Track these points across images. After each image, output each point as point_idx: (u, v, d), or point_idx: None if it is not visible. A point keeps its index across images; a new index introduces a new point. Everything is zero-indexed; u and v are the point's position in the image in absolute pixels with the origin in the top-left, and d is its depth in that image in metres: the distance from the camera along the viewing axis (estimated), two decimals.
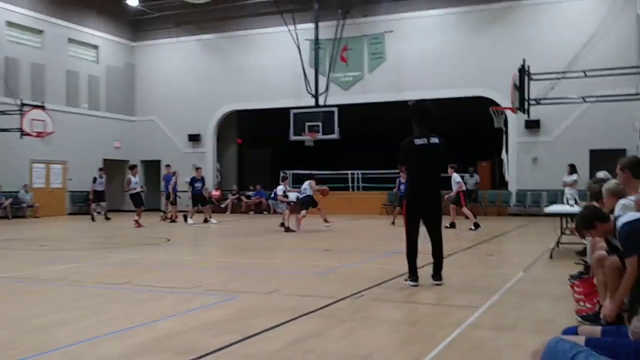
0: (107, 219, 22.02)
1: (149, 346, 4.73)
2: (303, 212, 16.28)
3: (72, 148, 26.03)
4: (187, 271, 9.23)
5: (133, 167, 20.57)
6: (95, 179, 22.45)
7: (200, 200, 20.63)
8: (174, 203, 21.53)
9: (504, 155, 23.67)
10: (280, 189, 17.37)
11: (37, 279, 8.27)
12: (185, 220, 20.22)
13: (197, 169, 21.55)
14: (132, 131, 29.56)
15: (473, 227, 15.93)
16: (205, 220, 19.95)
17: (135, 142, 29.47)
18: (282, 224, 16.46)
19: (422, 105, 7.67)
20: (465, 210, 16.51)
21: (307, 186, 16.51)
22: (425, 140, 7.34)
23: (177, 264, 10.19)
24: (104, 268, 9.46)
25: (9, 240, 14.38)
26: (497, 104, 22.29)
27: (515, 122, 22.87)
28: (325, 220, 16.88)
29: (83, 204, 26.64)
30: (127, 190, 19.72)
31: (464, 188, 16.61)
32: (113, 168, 28.86)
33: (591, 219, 5.10)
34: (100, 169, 23.01)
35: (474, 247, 12.00)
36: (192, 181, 20.44)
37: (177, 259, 10.81)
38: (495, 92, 23.03)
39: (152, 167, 29.74)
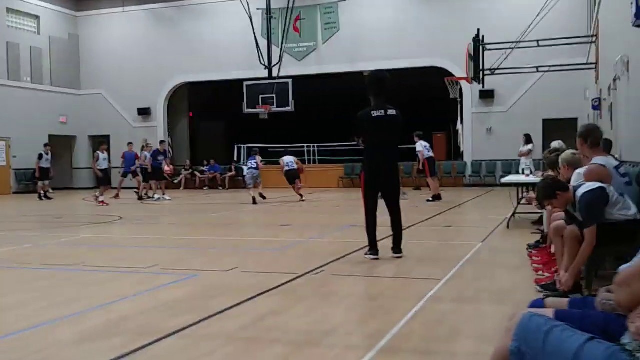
0: (48, 198, 21.09)
1: (105, 329, 4.54)
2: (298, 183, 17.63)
3: (15, 124, 25.06)
4: (142, 250, 8.98)
5: (102, 144, 20.16)
6: (40, 156, 21.45)
7: (159, 174, 20.02)
8: (145, 180, 20.60)
9: (459, 126, 23.90)
10: (258, 160, 17.40)
11: None
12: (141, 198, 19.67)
13: (162, 142, 21.20)
14: (79, 105, 28.66)
15: (431, 199, 15.96)
16: (147, 197, 19.54)
17: (82, 117, 28.61)
18: (254, 199, 16.54)
19: (379, 75, 7.55)
20: (429, 179, 16.41)
21: (292, 160, 17.81)
22: (383, 112, 7.23)
23: (131, 242, 9.92)
24: (54, 249, 9.12)
25: None
26: (452, 75, 22.40)
27: (469, 92, 23.06)
28: (301, 195, 17.45)
29: (29, 182, 25.78)
30: (95, 167, 19.11)
31: (426, 156, 16.24)
32: (59, 144, 27.97)
33: (553, 189, 5.11)
34: (46, 145, 22.03)
35: (432, 219, 12.05)
36: (155, 154, 19.82)
37: (131, 238, 10.54)
38: (450, 62, 23.11)
39: (100, 142, 28.87)
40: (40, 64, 27.07)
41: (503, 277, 6.30)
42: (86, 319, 4.84)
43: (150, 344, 4.13)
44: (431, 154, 16.54)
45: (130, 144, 21.77)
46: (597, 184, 5.09)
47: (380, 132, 7.23)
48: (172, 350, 4.09)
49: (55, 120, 27.57)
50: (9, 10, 25.75)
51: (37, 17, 27.20)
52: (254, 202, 16.52)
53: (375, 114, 7.23)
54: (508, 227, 10.02)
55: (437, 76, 22.26)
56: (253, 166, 17.04)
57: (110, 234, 11.34)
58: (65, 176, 28.69)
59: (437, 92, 22.39)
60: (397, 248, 7.39)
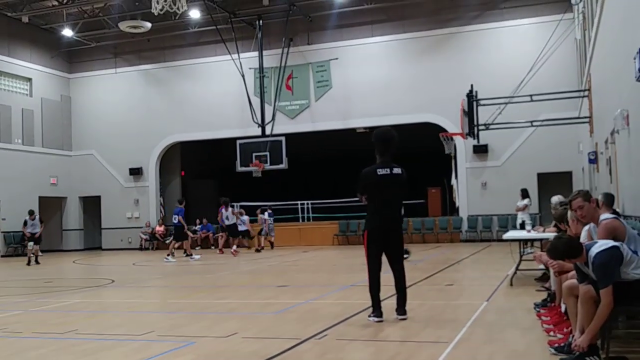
0: (37, 262, 20.00)
1: None
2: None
3: (5, 185, 24.81)
4: (137, 315, 8.66)
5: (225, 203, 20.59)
6: (25, 222, 20.35)
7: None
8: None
9: (453, 181, 23.87)
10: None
11: None
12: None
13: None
14: (70, 166, 28.50)
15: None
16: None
17: (73, 178, 28.42)
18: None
19: (386, 133, 7.41)
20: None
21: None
22: (388, 170, 7.12)
23: (125, 307, 9.56)
24: (45, 315, 8.77)
25: None
26: (445, 130, 22.50)
27: (463, 147, 23.11)
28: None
29: (18, 245, 25.35)
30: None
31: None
32: (49, 205, 27.66)
33: (578, 250, 4.97)
34: (31, 213, 20.67)
35: (432, 276, 11.80)
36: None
37: (124, 302, 10.17)
38: (443, 117, 23.25)
39: (90, 203, 28.68)
40: (32, 125, 27.02)
41: (515, 339, 6.05)
42: None
43: None
44: None
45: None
46: (611, 243, 4.97)
47: (385, 190, 7.11)
48: None
49: (46, 182, 27.35)
50: (1, 73, 25.86)
51: (29, 80, 27.31)
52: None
53: (380, 171, 7.11)
54: (511, 284, 9.79)
55: (430, 131, 22.34)
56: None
57: (103, 298, 11.00)
58: (55, 238, 28.24)
59: (430, 148, 22.44)
60: (401, 309, 7.14)
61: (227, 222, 20.52)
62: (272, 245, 23.15)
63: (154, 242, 26.81)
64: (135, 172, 27.77)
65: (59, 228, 28.69)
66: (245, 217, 21.78)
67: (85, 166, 28.43)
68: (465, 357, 5.36)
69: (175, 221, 19.40)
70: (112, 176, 28.18)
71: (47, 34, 27.42)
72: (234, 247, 19.99)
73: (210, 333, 6.74)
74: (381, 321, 6.98)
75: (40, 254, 21.46)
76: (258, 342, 6.21)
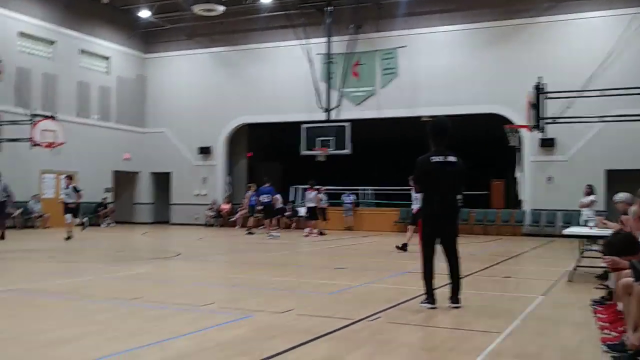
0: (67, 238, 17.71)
1: None
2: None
3: (82, 159, 26.01)
4: (199, 287, 9.08)
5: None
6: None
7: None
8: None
9: (517, 174, 23.47)
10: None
11: (46, 292, 8.14)
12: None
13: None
14: (142, 143, 29.56)
15: (400, 246, 14.79)
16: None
17: (145, 154, 29.46)
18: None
19: (441, 123, 7.47)
20: (412, 227, 14.77)
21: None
22: (442, 158, 7.17)
23: (189, 279, 10.03)
24: (114, 282, 9.30)
25: (19, 251, 14.27)
26: (510, 122, 22.15)
27: (529, 140, 22.67)
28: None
29: (92, 215, 26.58)
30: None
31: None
32: (123, 179, 28.89)
33: (619, 252, 4.96)
34: (68, 177, 18.71)
35: (490, 268, 11.78)
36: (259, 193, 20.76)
37: (188, 274, 10.65)
38: (510, 109, 22.87)
39: (161, 179, 29.72)
40: (108, 102, 28.18)
41: (567, 334, 6.05)
42: (143, 355, 4.89)
43: None
44: None
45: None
46: None
47: (439, 178, 7.14)
48: None
49: (120, 157, 28.50)
50: (82, 51, 27.02)
51: (107, 58, 28.43)
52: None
53: (434, 159, 7.16)
54: (570, 280, 9.69)
55: (496, 122, 22.02)
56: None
57: (169, 269, 11.51)
58: (127, 210, 29.48)
59: (495, 139, 22.10)
60: (455, 297, 7.21)
61: (309, 204, 21.07)
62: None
63: (219, 220, 27.56)
64: (205, 151, 28.56)
65: (131, 201, 29.90)
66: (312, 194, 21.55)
67: (157, 143, 29.43)
68: (514, 349, 5.40)
69: (268, 199, 19.93)
70: (182, 154, 29.07)
71: (125, 15, 28.41)
72: (311, 229, 20.73)
73: (267, 308, 7.02)
74: (434, 308, 7.09)
75: (110, 222, 22.41)
76: (312, 320, 6.44)
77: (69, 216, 17.84)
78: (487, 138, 23.51)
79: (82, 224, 18.56)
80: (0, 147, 22.76)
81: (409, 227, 15.11)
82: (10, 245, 15.43)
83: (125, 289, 8.47)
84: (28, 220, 23.53)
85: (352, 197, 25.73)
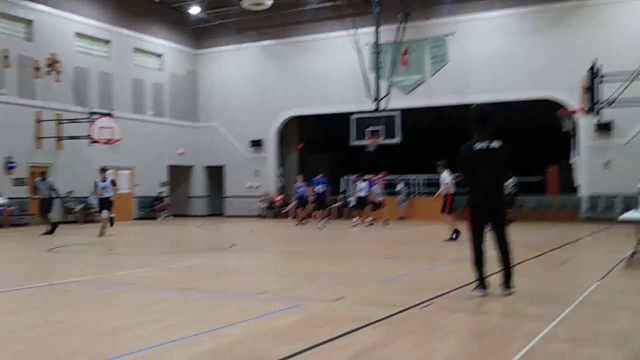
0: (101, 235, 16.69)
1: (214, 354, 4.71)
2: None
3: (138, 154, 26.72)
4: (253, 277, 9.26)
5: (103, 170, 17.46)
6: (95, 185, 17.38)
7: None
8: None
9: (573, 159, 22.93)
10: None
11: (104, 283, 8.45)
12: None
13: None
14: (196, 137, 30.13)
15: (454, 237, 14.25)
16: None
17: (199, 148, 30.02)
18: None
19: (483, 110, 7.36)
20: (444, 216, 14.58)
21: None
22: (485, 144, 7.07)
23: (243, 269, 10.24)
24: (170, 273, 9.58)
25: (80, 245, 14.81)
26: (565, 107, 21.62)
27: (585, 125, 22.09)
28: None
29: (149, 209, 27.30)
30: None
31: (451, 191, 14.32)
32: (177, 173, 29.54)
33: None
34: (102, 170, 17.58)
35: (545, 254, 11.59)
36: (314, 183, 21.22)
37: (242, 264, 10.86)
38: (564, 94, 22.31)
39: (214, 172, 30.24)
40: (162, 98, 28.82)
41: (623, 320, 5.94)
42: (198, 343, 5.04)
43: None
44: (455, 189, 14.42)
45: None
46: None
47: (483, 165, 7.06)
48: None
49: (174, 151, 29.14)
50: (136, 49, 27.70)
51: (160, 56, 29.06)
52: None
53: (477, 146, 7.07)
54: (627, 266, 9.46)
55: (549, 108, 21.54)
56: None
57: (223, 260, 11.76)
58: (182, 204, 30.17)
59: (549, 125, 21.65)
60: (506, 284, 7.13)
61: (360, 194, 21.11)
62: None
63: (272, 211, 27.89)
64: (256, 144, 28.92)
65: (186, 195, 30.56)
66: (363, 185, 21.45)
67: (210, 137, 29.95)
68: (567, 334, 5.33)
69: (321, 190, 20.62)
70: (235, 147, 29.50)
71: (176, 12, 28.94)
72: (362, 219, 20.85)
73: (319, 296, 7.13)
74: (485, 295, 7.04)
75: (167, 216, 22.98)
76: (364, 307, 6.51)
77: (105, 212, 16.80)
78: (540, 124, 23.05)
79: (110, 220, 17.13)
80: (61, 144, 23.59)
81: (444, 215, 14.69)
82: (71, 239, 16.02)
83: (181, 280, 8.71)
84: (88, 214, 24.32)
85: (406, 187, 25.74)
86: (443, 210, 14.49)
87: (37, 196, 18.60)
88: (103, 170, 17.28)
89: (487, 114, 7.29)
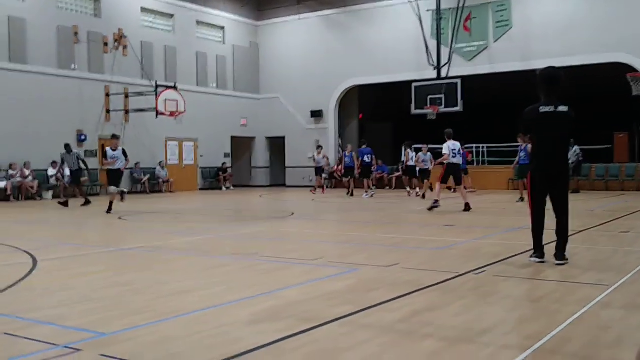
0: (108, 211, 14.72)
1: (273, 313, 4.94)
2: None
3: (202, 126, 27.36)
4: (310, 244, 9.50)
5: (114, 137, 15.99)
6: (105, 154, 15.44)
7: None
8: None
9: None
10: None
11: (170, 249, 8.85)
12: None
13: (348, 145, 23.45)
14: (257, 109, 30.54)
15: (434, 205, 14.15)
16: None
17: (260, 119, 30.44)
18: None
19: (552, 72, 7.13)
20: (437, 183, 14.60)
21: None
22: (553, 108, 6.89)
23: (301, 236, 10.50)
24: (232, 240, 9.93)
25: (147, 214, 15.43)
26: (635, 70, 20.79)
27: None
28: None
29: (213, 179, 28.00)
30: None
31: (450, 160, 14.15)
32: (240, 144, 30.10)
33: None
34: (115, 136, 16.05)
35: (608, 224, 11.36)
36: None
37: (301, 232, 11.13)
38: (634, 57, 21.48)
39: (276, 143, 30.64)
40: (225, 70, 29.28)
41: None
42: (257, 303, 5.29)
43: (312, 328, 4.44)
44: (456, 160, 14.32)
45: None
46: None
47: (549, 129, 6.92)
48: (332, 336, 4.35)
49: (237, 123, 29.65)
50: (198, 22, 28.17)
51: (222, 28, 29.45)
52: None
53: (543, 109, 6.90)
54: None
55: (619, 72, 20.75)
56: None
57: (283, 227, 12.06)
58: (245, 174, 30.78)
59: (619, 90, 20.87)
60: (560, 254, 7.00)
61: (410, 163, 21.16)
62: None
63: (332, 181, 28.11)
64: (316, 115, 29.08)
65: (249, 166, 31.14)
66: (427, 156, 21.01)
67: (271, 108, 30.30)
68: (622, 300, 5.31)
69: (368, 160, 21.05)
70: (295, 118, 29.76)
71: None
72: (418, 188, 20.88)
73: (373, 262, 7.28)
74: (543, 262, 7.01)
75: (229, 187, 23.48)
76: (417, 273, 6.62)
77: (113, 187, 14.81)
78: (608, 89, 22.24)
79: (121, 194, 14.98)
80: (128, 117, 24.41)
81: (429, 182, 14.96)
82: (140, 208, 16.70)
83: (242, 246, 9.03)
84: (155, 185, 25.18)
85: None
86: (436, 178, 14.83)
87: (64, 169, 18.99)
88: (114, 137, 15.47)
89: (556, 76, 7.09)
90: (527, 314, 5.02)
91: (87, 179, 20.05)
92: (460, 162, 14.57)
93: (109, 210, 14.56)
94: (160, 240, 9.87)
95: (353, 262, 7.28)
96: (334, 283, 6.16)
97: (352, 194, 21.30)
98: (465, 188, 19.60)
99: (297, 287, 5.96)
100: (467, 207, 14.14)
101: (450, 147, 14.26)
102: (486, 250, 8.19)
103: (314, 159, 23.77)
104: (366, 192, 20.68)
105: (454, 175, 14.44)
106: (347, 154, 22.41)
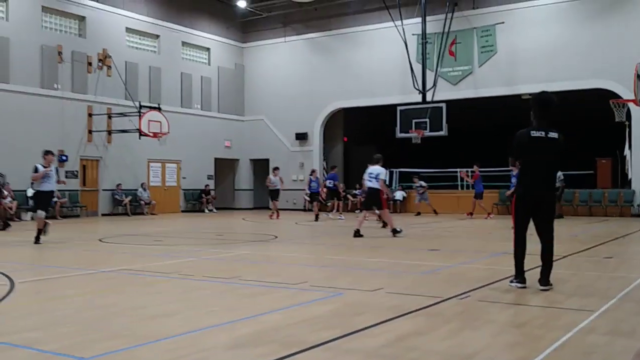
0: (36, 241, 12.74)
1: (255, 337, 4.84)
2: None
3: (185, 147, 27.24)
4: (294, 267, 9.40)
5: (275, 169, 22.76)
6: (35, 169, 12.85)
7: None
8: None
9: (626, 152, 22.35)
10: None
11: (151, 271, 8.70)
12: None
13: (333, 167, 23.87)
14: (242, 131, 30.51)
15: (392, 232, 14.03)
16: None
17: (244, 141, 30.40)
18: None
19: (545, 97, 7.16)
20: (382, 212, 14.49)
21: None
22: (543, 133, 6.91)
23: (284, 260, 10.39)
24: (214, 263, 9.81)
25: (128, 236, 15.24)
26: (618, 96, 21.07)
27: (638, 115, 21.47)
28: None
29: (196, 201, 27.81)
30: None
31: (367, 185, 14.02)
32: (224, 166, 29.98)
33: None
34: (47, 152, 13.26)
35: (591, 249, 11.39)
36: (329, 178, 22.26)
37: (284, 255, 11.03)
38: (617, 83, 21.76)
39: (260, 165, 30.56)
40: (209, 92, 29.28)
41: None
42: (238, 328, 5.19)
43: (295, 353, 4.35)
44: (373, 184, 13.91)
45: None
46: None
47: (538, 153, 6.93)
48: None
49: (221, 145, 29.58)
50: (184, 44, 28.20)
51: (208, 49, 29.51)
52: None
53: (534, 134, 6.92)
54: None
55: (601, 98, 21.02)
56: None
57: (266, 251, 11.94)
58: (228, 197, 30.60)
59: (601, 116, 21.11)
60: (545, 279, 6.96)
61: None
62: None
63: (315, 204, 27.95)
64: (301, 137, 29.10)
65: (232, 188, 31.00)
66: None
67: (256, 130, 30.28)
68: (606, 327, 5.27)
69: (330, 185, 21.86)
70: (280, 140, 29.74)
71: (223, 6, 29.35)
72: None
73: (357, 287, 7.20)
74: (524, 287, 6.98)
75: (212, 209, 23.35)
76: (401, 298, 6.55)
77: (42, 213, 12.70)
78: (591, 115, 22.50)
79: (45, 226, 12.75)
80: (111, 138, 24.25)
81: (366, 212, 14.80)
82: (121, 230, 16.49)
83: (224, 269, 8.91)
84: (137, 207, 24.95)
85: (422, 182, 24.83)
86: (381, 207, 14.32)
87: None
88: (48, 153, 13.04)
89: (550, 100, 7.11)
90: (512, 339, 4.97)
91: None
92: (377, 186, 13.83)
93: (37, 240, 12.50)
94: (141, 263, 9.72)
95: (337, 287, 7.19)
96: (318, 307, 6.07)
97: (316, 219, 20.82)
98: (489, 214, 19.92)
99: (279, 311, 5.86)
100: (386, 227, 14.44)
101: (368, 171, 14.02)
102: (471, 275, 8.15)
103: (270, 180, 22.98)
104: (330, 212, 21.64)
105: (372, 200, 14.17)
106: (312, 178, 22.57)
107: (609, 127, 21.86)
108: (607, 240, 13.06)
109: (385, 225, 15.40)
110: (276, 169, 23.65)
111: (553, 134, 6.94)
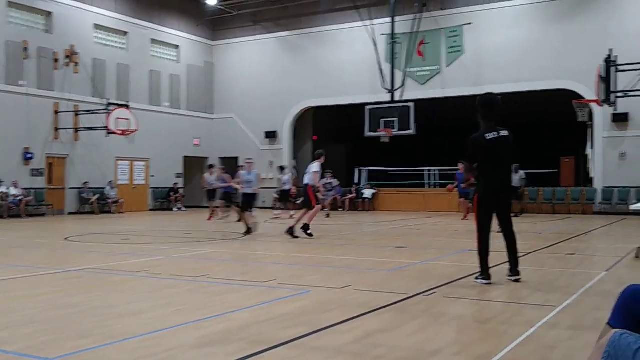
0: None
1: (224, 336, 4.86)
2: None
3: (154, 146, 26.99)
4: (262, 265, 9.42)
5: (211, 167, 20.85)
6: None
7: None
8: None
9: (588, 151, 22.83)
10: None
11: (119, 270, 8.64)
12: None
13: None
14: (211, 129, 30.35)
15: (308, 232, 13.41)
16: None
17: (214, 139, 30.24)
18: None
19: (489, 98, 7.40)
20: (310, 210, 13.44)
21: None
22: (496, 133, 7.16)
23: (252, 258, 10.40)
24: (182, 261, 9.77)
25: (95, 234, 15.07)
26: (581, 97, 21.52)
27: (601, 115, 21.99)
28: None
29: (164, 200, 27.58)
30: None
31: (315, 183, 13.51)
32: (192, 164, 29.78)
33: None
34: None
35: (554, 246, 11.63)
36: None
37: (252, 254, 11.03)
38: (579, 84, 22.22)
39: (230, 164, 30.39)
40: (178, 89, 29.05)
41: None
42: (207, 326, 5.20)
43: (263, 351, 4.38)
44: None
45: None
46: None
47: (495, 154, 7.17)
48: (283, 358, 4.30)
49: (190, 143, 29.37)
50: (153, 41, 27.93)
51: (177, 47, 29.27)
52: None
53: (489, 136, 7.15)
54: (637, 257, 9.47)
55: (566, 99, 21.44)
56: None
57: (234, 249, 11.92)
58: (198, 195, 30.36)
59: (565, 116, 21.55)
60: (514, 270, 7.29)
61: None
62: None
63: (286, 203, 27.98)
64: (271, 135, 29.06)
65: (201, 186, 30.74)
66: None
67: (225, 129, 30.15)
68: (568, 321, 5.41)
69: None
70: (249, 138, 29.67)
71: (193, 4, 29.15)
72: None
73: (325, 284, 7.25)
74: (489, 284, 7.14)
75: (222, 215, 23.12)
76: (369, 295, 6.63)
77: None
78: (555, 115, 22.96)
79: None
80: (78, 135, 23.92)
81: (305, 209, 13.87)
82: (88, 229, 16.29)
83: (192, 268, 8.88)
84: (105, 205, 24.64)
85: (334, 182, 24.89)
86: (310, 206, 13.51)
87: None
88: None
89: (494, 100, 7.38)
90: (477, 335, 5.07)
91: None
92: (306, 181, 13.46)
93: None
94: (109, 262, 9.64)
95: (305, 284, 7.24)
96: (286, 305, 6.11)
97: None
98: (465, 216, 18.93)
99: (248, 309, 5.88)
100: (247, 231, 13.90)
101: (315, 167, 13.58)
102: (438, 272, 8.27)
103: (205, 180, 21.35)
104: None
105: (304, 196, 13.81)
106: (214, 177, 20.68)
107: (573, 127, 22.30)
108: (570, 237, 13.34)
109: (239, 220, 14.96)
110: (211, 166, 22.58)
111: (504, 132, 7.21)
